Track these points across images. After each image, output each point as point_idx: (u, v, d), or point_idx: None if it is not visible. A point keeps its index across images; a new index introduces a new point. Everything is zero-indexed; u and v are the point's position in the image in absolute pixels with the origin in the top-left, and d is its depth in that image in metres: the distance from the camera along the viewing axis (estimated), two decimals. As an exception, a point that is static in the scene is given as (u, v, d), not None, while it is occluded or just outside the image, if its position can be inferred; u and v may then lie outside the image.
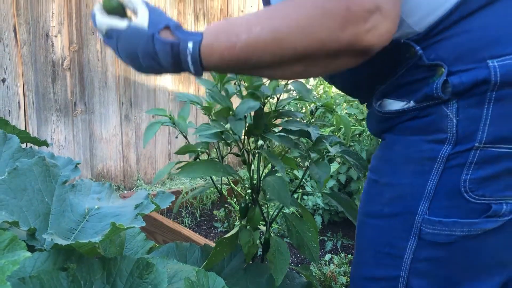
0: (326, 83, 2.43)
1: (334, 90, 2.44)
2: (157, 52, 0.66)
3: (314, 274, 1.79)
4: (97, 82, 2.79)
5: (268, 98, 0.95)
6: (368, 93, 0.80)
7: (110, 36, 0.70)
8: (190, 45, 0.64)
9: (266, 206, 1.17)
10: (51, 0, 2.52)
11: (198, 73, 0.68)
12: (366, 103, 0.86)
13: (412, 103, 0.69)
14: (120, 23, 0.68)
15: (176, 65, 0.67)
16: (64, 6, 2.58)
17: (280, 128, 1.00)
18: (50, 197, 0.77)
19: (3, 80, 2.42)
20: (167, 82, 3.15)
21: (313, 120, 1.09)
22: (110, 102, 2.87)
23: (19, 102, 2.50)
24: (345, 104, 2.24)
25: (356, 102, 2.24)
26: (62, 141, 2.71)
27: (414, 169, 0.70)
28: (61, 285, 0.64)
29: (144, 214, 0.72)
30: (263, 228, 1.09)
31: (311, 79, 2.51)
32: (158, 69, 0.70)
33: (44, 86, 2.58)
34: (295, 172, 1.39)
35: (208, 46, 0.64)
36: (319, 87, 2.47)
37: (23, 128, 2.50)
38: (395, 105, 0.73)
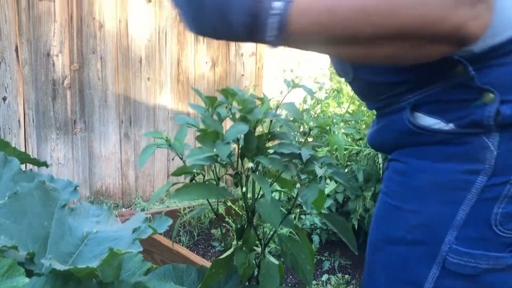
0: (323, 103, 2.45)
1: (331, 109, 2.47)
2: (230, 3, 0.55)
3: (311, 294, 1.79)
4: (97, 101, 2.83)
5: (260, 121, 0.96)
6: (388, 99, 0.76)
7: None
8: (277, 4, 0.54)
9: (262, 227, 1.18)
10: (52, 20, 2.56)
11: (277, 41, 0.57)
12: (377, 112, 0.82)
13: (451, 126, 0.65)
14: None
15: (250, 28, 0.56)
16: (66, 26, 2.62)
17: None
18: (50, 221, 0.78)
19: (4, 99, 2.45)
20: (167, 100, 3.18)
21: (311, 140, 1.10)
22: (109, 120, 2.90)
23: (19, 120, 2.52)
24: (342, 123, 2.27)
25: (353, 122, 2.26)
26: (61, 159, 2.72)
27: (444, 197, 0.67)
28: (59, 309, 0.65)
29: (142, 238, 0.73)
30: (259, 249, 1.10)
31: (309, 99, 2.54)
32: (220, 28, 0.58)
33: (44, 105, 2.61)
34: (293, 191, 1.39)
35: (303, 3, 0.54)
36: (316, 107, 2.49)
37: (22, 146, 2.52)
38: (424, 120, 0.69)
